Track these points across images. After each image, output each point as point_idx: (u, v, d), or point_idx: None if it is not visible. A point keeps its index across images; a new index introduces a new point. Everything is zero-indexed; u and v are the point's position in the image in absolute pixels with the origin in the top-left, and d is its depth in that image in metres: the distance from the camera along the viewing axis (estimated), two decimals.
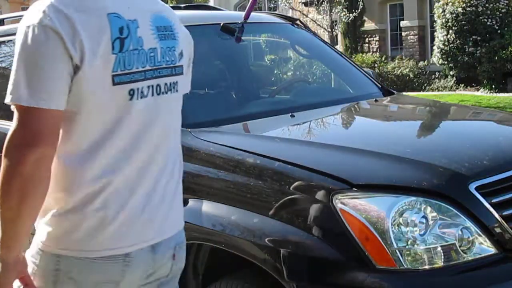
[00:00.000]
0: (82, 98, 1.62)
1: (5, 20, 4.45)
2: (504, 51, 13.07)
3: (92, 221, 1.67)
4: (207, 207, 2.55)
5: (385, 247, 2.14)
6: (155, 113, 1.75)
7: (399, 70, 15.24)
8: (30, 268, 1.71)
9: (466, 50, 13.60)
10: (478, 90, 13.64)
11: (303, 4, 17.84)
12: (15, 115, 1.57)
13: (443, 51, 13.90)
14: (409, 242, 2.17)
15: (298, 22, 4.24)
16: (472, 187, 2.26)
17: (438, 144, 2.72)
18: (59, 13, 1.58)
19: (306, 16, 15.13)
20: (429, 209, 2.19)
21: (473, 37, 13.56)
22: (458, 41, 13.63)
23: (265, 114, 3.19)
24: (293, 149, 2.62)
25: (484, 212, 2.23)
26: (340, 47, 16.95)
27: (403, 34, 16.70)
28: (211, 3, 18.54)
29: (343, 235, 2.17)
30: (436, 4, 14.30)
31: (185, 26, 3.83)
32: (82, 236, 1.68)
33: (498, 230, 2.23)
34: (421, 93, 14.04)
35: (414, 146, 2.69)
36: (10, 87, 1.56)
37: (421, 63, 15.63)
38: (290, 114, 3.12)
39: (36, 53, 1.56)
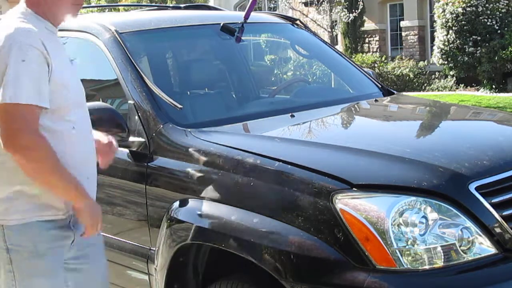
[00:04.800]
0: None
1: None
2: (504, 51, 13.05)
3: None
4: (207, 207, 2.55)
5: (385, 247, 2.14)
6: None
7: (399, 70, 15.23)
8: None
9: (466, 50, 13.59)
10: (478, 90, 13.62)
11: (303, 4, 17.80)
12: None
13: (443, 51, 13.89)
14: (409, 242, 2.17)
15: (298, 22, 4.24)
16: (472, 187, 2.26)
17: (438, 144, 2.72)
18: None
19: (306, 16, 15.11)
20: (429, 209, 2.19)
21: (473, 37, 13.54)
22: (458, 41, 13.61)
23: (265, 114, 3.19)
24: (293, 149, 2.62)
25: (484, 212, 2.23)
26: (340, 47, 16.93)
27: (403, 34, 16.69)
28: (211, 3, 18.54)
29: (343, 235, 2.17)
30: (436, 4, 14.29)
31: (185, 26, 3.80)
32: None
33: (498, 230, 2.23)
34: (421, 93, 14.03)
35: (414, 146, 2.69)
36: None
37: (421, 63, 15.61)
38: (290, 114, 3.12)
39: None
